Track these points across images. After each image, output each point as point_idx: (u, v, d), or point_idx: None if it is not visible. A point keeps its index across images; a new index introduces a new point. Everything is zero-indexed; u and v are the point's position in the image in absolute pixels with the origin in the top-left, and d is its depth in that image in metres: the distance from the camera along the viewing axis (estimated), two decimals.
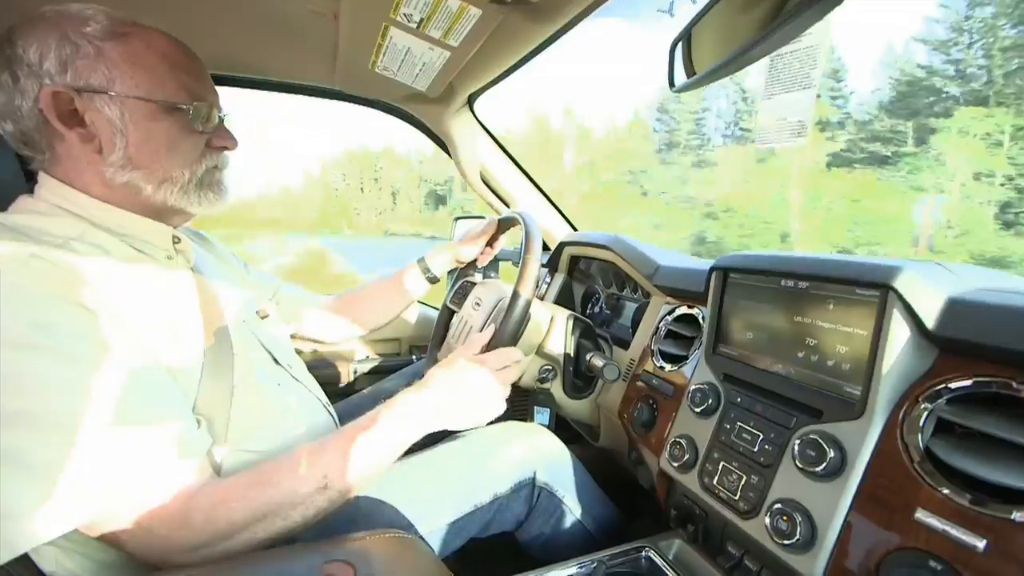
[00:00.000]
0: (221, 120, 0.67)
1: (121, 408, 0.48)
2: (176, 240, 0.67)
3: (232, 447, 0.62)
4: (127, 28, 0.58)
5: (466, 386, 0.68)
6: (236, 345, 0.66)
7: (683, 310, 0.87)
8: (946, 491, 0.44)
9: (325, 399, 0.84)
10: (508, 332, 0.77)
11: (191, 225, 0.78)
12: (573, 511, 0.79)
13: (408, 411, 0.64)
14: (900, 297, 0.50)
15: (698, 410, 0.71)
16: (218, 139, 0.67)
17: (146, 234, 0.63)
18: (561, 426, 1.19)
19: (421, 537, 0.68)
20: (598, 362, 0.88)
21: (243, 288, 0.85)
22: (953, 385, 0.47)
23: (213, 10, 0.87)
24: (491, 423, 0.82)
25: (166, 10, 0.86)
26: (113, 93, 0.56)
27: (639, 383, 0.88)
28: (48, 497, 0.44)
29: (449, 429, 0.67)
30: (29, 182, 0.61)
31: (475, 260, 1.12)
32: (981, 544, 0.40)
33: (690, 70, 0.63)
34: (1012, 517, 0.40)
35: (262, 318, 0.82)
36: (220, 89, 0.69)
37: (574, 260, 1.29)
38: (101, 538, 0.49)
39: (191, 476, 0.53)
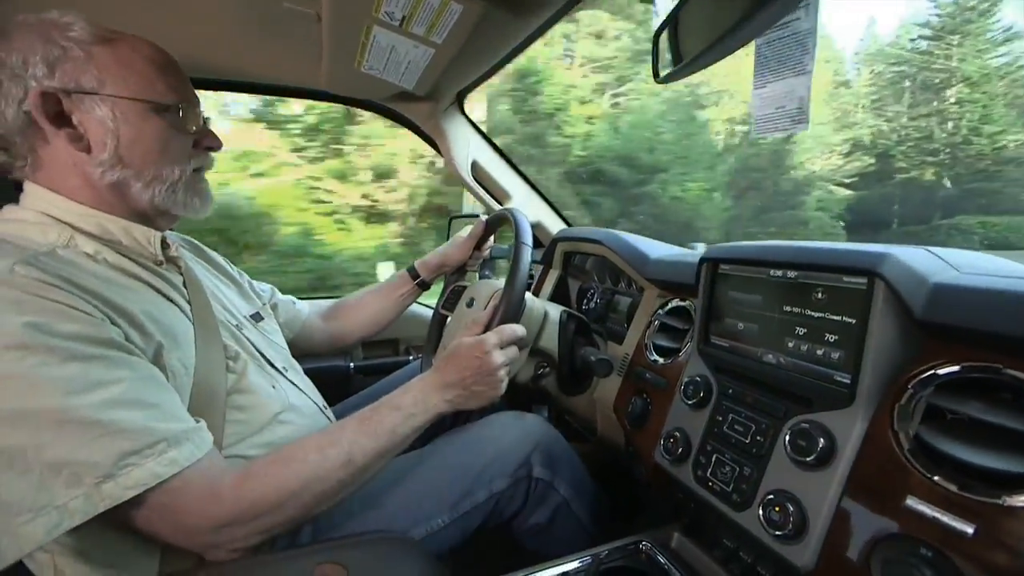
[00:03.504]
0: (206, 122, 0.70)
1: (125, 401, 0.49)
2: (165, 246, 0.67)
3: (227, 452, 0.62)
4: (112, 35, 0.61)
5: (467, 365, 0.71)
6: (229, 350, 0.67)
7: (676, 303, 0.87)
8: (936, 477, 0.44)
9: (322, 402, 0.84)
10: (510, 306, 0.77)
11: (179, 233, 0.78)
12: (570, 504, 0.79)
13: (419, 393, 0.69)
14: (887, 283, 0.49)
15: (691, 402, 0.70)
16: (206, 140, 0.69)
17: (133, 240, 0.64)
18: (558, 422, 1.20)
19: (419, 537, 0.69)
20: (592, 358, 0.88)
21: (237, 295, 0.85)
22: (941, 371, 0.47)
23: (193, 15, 0.87)
24: (488, 414, 0.82)
25: (146, 15, 0.86)
26: (104, 94, 0.58)
27: (633, 377, 0.88)
28: (50, 497, 0.44)
29: (460, 409, 0.71)
30: (16, 191, 0.62)
31: (464, 265, 1.12)
32: (970, 529, 0.40)
33: (677, 58, 0.62)
34: (1001, 501, 0.39)
35: (256, 323, 0.82)
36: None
37: (568, 256, 1.28)
38: (127, 525, 0.50)
39: (212, 458, 0.54)
